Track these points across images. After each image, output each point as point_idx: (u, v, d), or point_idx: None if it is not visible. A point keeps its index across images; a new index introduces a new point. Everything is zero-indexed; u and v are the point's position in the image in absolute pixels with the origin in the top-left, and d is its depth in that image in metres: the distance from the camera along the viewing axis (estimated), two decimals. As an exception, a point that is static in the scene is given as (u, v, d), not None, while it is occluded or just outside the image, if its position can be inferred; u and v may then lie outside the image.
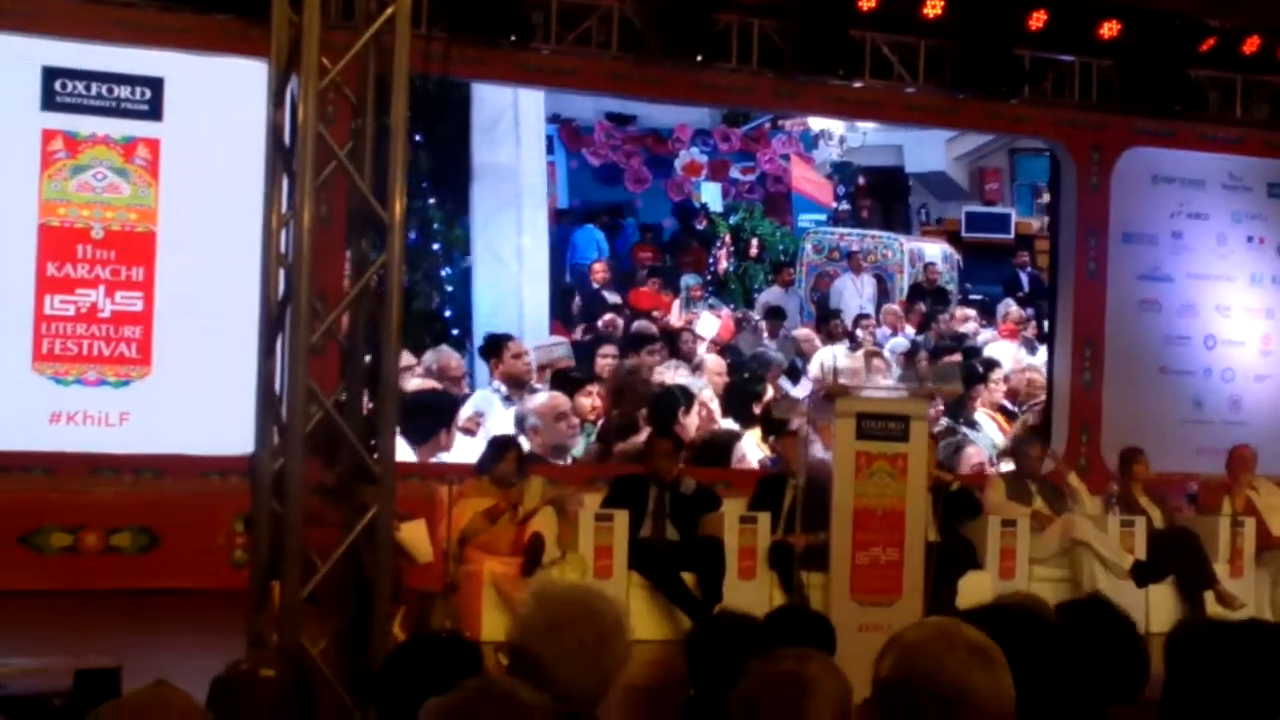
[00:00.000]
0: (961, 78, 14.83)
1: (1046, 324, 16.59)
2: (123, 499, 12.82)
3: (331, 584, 5.71)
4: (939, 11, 14.35)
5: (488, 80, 14.37)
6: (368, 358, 5.72)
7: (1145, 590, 12.60)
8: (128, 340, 13.03)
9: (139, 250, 13.04)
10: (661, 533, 11.97)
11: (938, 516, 9.87)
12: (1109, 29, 14.97)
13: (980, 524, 12.42)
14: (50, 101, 12.77)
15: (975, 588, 12.24)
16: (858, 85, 14.77)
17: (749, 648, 4.25)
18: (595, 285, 12.78)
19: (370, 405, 5.73)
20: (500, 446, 11.95)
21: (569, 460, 11.97)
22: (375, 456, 5.57)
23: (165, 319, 13.06)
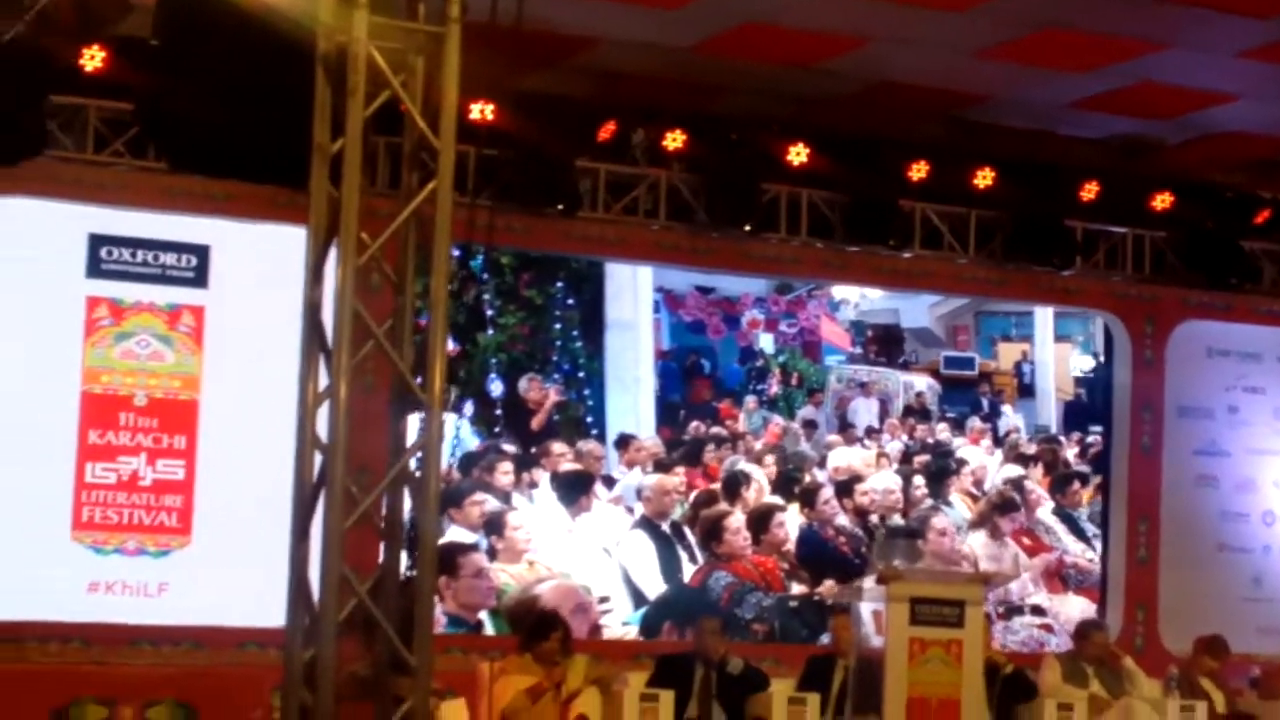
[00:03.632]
0: (1013, 249, 14.71)
1: (1100, 500, 16.45)
2: (159, 671, 12.55)
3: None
4: (990, 182, 14.26)
5: (534, 249, 14.32)
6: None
7: (1207, 777, 12.24)
8: (168, 509, 12.85)
9: (181, 418, 12.90)
10: (708, 713, 11.71)
11: (992, 700, 9.55)
12: (1161, 201, 14.85)
13: (1036, 707, 12.08)
14: (95, 268, 12.68)
15: (1032, 773, 11.92)
16: (907, 256, 14.65)
17: None
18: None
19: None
20: (544, 624, 11.70)
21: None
22: (412, 647, 5.33)
23: (206, 488, 12.88)
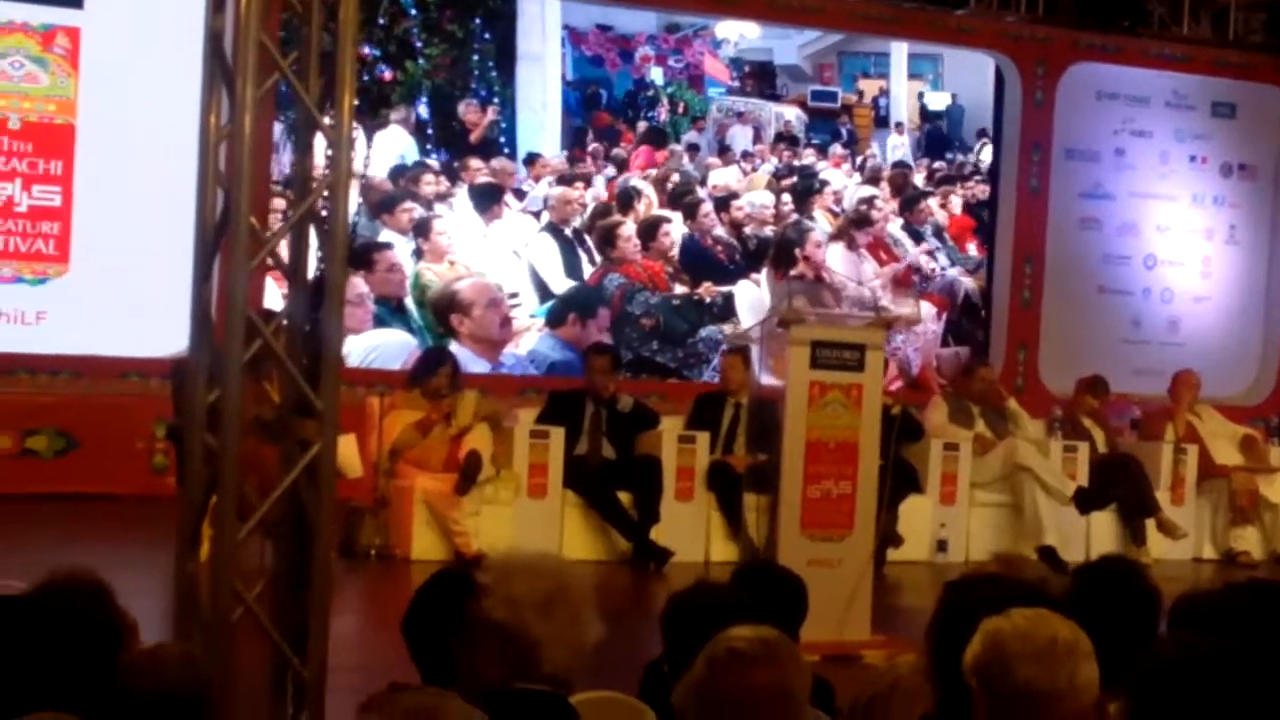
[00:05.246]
0: (909, -12, 14.56)
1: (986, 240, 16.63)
2: (38, 400, 12.42)
3: (269, 522, 5.35)
4: (889, -81, 14.03)
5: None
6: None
7: (1087, 517, 12.42)
8: (45, 236, 12.57)
9: (57, 142, 12.57)
10: (598, 450, 11.71)
11: (887, 443, 9.54)
12: (1057, -58, 14.70)
13: (922, 447, 12.20)
14: (-37, -12, 12.26)
15: (917, 512, 12.07)
16: (804, -8, 14.48)
17: (724, 617, 3.92)
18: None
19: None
20: (433, 360, 11.63)
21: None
22: (318, 390, 5.19)
23: (85, 215, 12.60)
